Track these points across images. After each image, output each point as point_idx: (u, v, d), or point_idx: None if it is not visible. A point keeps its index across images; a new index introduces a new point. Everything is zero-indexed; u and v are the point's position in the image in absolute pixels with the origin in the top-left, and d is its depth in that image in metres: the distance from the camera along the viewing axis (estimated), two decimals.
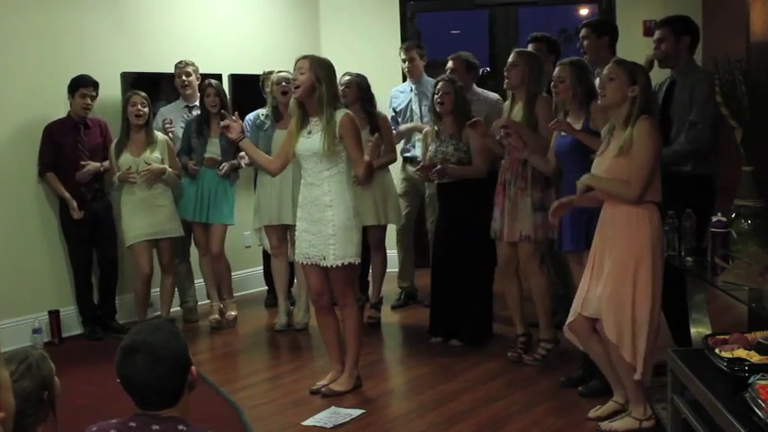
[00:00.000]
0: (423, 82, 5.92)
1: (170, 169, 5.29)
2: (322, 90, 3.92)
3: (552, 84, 4.08)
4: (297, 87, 3.97)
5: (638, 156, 3.31)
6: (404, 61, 5.91)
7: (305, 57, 4.00)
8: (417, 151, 5.72)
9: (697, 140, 3.99)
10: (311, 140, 3.98)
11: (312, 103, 3.97)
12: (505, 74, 4.47)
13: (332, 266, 4.01)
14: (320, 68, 3.95)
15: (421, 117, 5.85)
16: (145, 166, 5.19)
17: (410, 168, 5.77)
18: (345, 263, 4.01)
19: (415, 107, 5.90)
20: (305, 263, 4.11)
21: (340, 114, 3.95)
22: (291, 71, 5.30)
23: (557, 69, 4.06)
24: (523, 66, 4.40)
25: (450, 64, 5.40)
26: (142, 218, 5.24)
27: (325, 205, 3.98)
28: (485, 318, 4.99)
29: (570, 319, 3.57)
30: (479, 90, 5.60)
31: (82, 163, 5.25)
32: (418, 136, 5.71)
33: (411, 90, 5.95)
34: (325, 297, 4.17)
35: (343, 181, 4.01)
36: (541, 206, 4.33)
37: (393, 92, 6.07)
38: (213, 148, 5.42)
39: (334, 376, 4.22)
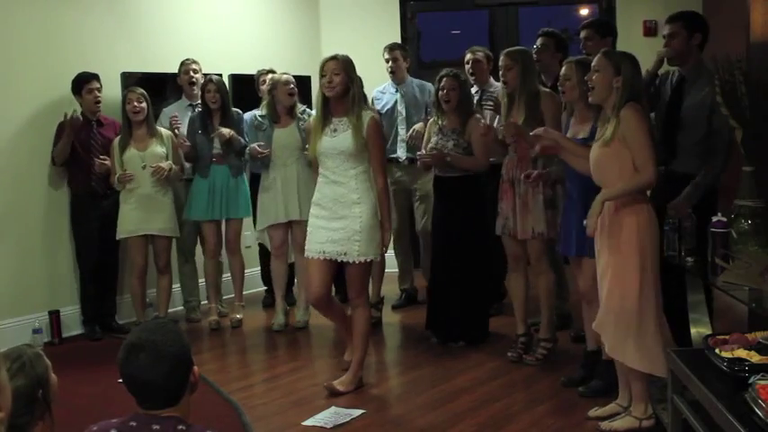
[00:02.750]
0: (407, 83, 5.83)
1: (174, 166, 5.32)
2: (355, 90, 3.98)
3: (559, 83, 4.06)
4: (332, 88, 3.96)
5: (634, 142, 3.30)
6: (387, 61, 5.78)
7: (334, 58, 4.00)
8: (401, 152, 5.71)
9: (717, 171, 3.97)
10: (338, 139, 4.01)
11: (343, 103, 4.01)
12: (502, 78, 4.45)
13: (353, 262, 4.02)
14: (351, 68, 4.00)
15: (405, 118, 5.77)
16: (153, 159, 5.21)
17: (394, 170, 5.70)
18: (368, 259, 4.04)
19: (401, 108, 5.79)
20: (316, 257, 4.10)
21: (367, 117, 4.01)
22: (291, 72, 5.38)
23: (563, 68, 4.00)
24: (518, 67, 4.39)
25: (469, 56, 5.42)
26: (139, 213, 5.25)
27: (353, 202, 4.02)
28: (484, 316, 5.00)
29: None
30: (497, 83, 5.57)
31: (101, 157, 5.27)
32: (402, 135, 5.71)
33: (396, 91, 5.82)
34: (323, 299, 4.18)
35: (368, 179, 4.06)
36: (551, 203, 4.35)
37: (375, 93, 5.91)
38: (217, 145, 5.42)
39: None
